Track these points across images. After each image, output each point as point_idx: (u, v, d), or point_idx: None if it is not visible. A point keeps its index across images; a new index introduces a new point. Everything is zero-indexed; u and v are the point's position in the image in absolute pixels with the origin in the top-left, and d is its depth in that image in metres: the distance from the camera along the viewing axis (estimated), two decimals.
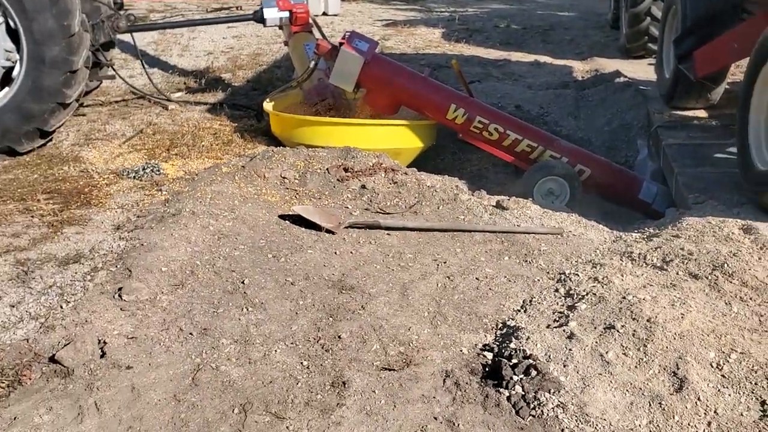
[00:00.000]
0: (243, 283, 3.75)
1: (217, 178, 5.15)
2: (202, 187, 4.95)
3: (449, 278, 3.88)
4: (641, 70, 9.06)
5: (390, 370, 3.06)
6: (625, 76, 8.45)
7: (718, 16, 6.22)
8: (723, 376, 2.86)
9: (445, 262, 4.08)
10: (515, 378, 2.91)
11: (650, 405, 2.73)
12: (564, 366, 2.95)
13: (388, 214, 4.77)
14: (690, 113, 6.96)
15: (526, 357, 3.03)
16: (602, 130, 7.43)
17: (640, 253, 3.99)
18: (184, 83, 8.91)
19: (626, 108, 7.59)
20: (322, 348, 3.20)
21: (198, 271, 3.86)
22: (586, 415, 2.70)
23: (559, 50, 11.03)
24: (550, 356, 3.03)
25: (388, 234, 4.47)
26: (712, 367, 2.91)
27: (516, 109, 7.73)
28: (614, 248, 4.22)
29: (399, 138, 6.16)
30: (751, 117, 4.81)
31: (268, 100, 6.75)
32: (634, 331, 3.11)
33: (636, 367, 2.93)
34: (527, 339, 3.17)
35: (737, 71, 7.40)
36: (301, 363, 3.10)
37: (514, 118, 6.38)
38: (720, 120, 6.58)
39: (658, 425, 2.66)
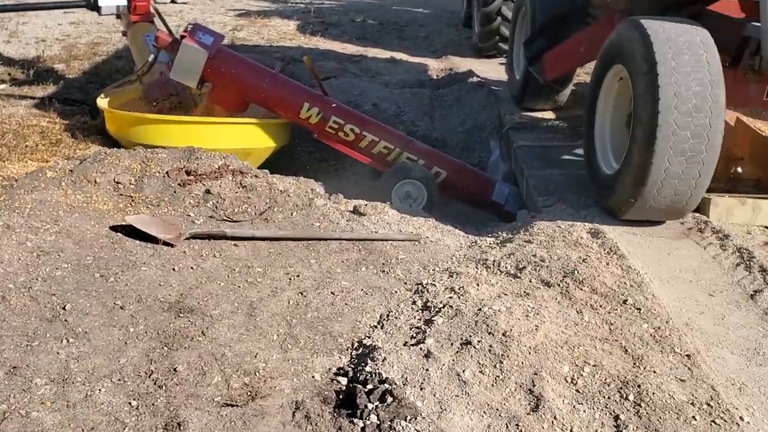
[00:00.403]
0: (64, 309, 3.28)
1: (40, 185, 4.56)
2: (21, 196, 4.35)
3: (302, 294, 3.62)
4: (493, 69, 9.25)
5: (233, 405, 2.75)
6: (478, 76, 8.57)
7: (566, 19, 6.38)
8: (577, 391, 2.81)
9: (298, 276, 3.81)
10: (370, 406, 2.71)
11: (507, 427, 2.63)
12: (421, 389, 2.79)
13: (235, 222, 4.43)
14: (539, 114, 7.14)
15: (381, 381, 2.83)
16: (457, 131, 7.46)
17: (494, 260, 3.94)
18: (9, 74, 8.00)
19: (479, 108, 7.68)
20: (155, 384, 2.83)
21: (10, 296, 3.34)
22: None
23: (414, 47, 11.07)
24: (407, 379, 2.85)
25: (235, 245, 4.13)
26: (566, 381, 2.85)
27: (373, 107, 7.59)
28: (470, 255, 4.14)
29: (248, 137, 5.81)
30: (597, 121, 4.93)
31: (103, 95, 6.14)
32: (490, 346, 3.01)
33: (493, 385, 2.82)
34: (383, 360, 2.98)
35: (583, 72, 7.70)
36: (130, 403, 2.72)
37: (371, 118, 6.22)
38: (567, 122, 6.78)
39: None
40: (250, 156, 5.71)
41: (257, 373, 2.95)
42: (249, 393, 2.83)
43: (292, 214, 4.59)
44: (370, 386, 2.81)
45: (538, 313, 3.29)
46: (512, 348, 2.98)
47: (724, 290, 3.75)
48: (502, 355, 2.96)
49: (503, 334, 3.08)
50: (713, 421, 2.66)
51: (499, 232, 4.65)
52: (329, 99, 5.96)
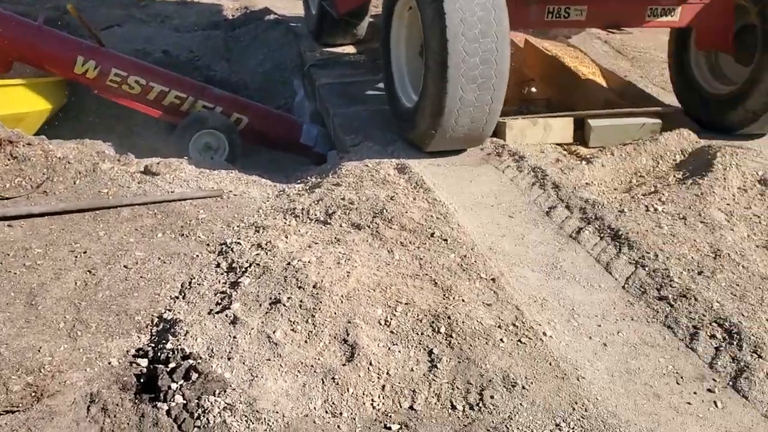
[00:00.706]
0: None
1: None
2: None
3: (91, 272, 3.25)
4: (291, 5, 8.91)
5: (13, 412, 2.41)
6: (275, 13, 8.21)
7: None
8: (392, 332, 2.77)
9: (85, 252, 3.42)
10: (174, 386, 2.49)
11: (323, 382, 2.53)
12: (229, 359, 2.60)
13: (7, 199, 3.89)
14: (341, 49, 6.99)
15: (185, 357, 2.61)
16: (257, 72, 7.13)
17: (303, 208, 3.78)
18: None
19: (278, 47, 7.38)
20: None
21: None
22: (257, 412, 2.39)
23: None
24: (213, 350, 2.65)
25: (8, 226, 3.62)
26: (380, 325, 2.81)
27: (163, 55, 7.02)
28: (278, 205, 3.96)
29: (16, 101, 5.12)
30: (392, 53, 4.86)
31: None
32: (301, 301, 2.88)
33: (306, 342, 2.70)
34: (186, 334, 2.75)
35: (379, 4, 7.61)
36: None
37: (158, 67, 5.72)
38: (368, 55, 6.70)
39: (333, 403, 2.47)
40: (23, 122, 5.05)
41: (42, 370, 2.61)
42: (33, 394, 2.49)
43: (75, 183, 4.12)
44: (172, 364, 2.58)
45: (349, 259, 3.20)
46: (324, 300, 2.87)
47: (522, 210, 3.89)
48: (313, 308, 2.84)
49: (314, 287, 2.96)
50: (519, 341, 2.74)
51: (309, 177, 4.50)
52: (107, 50, 5.38)
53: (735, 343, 2.79)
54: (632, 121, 5.05)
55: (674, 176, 4.45)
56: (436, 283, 3.08)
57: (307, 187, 4.19)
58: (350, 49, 6.96)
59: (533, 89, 6.32)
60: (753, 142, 5.11)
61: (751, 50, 4.94)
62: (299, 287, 2.96)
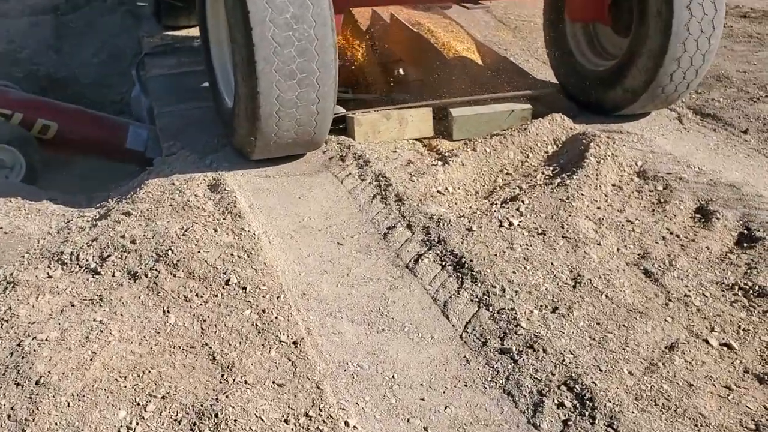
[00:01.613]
0: None
1: None
2: None
3: None
4: None
5: None
6: None
7: None
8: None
9: None
10: None
11: None
12: None
13: None
14: (185, 33, 6.10)
15: None
16: (91, 64, 6.17)
17: (74, 252, 2.98)
18: None
19: (118, 33, 6.44)
20: None
21: None
22: None
23: None
24: None
25: None
26: None
27: None
28: (48, 247, 3.14)
29: None
30: (212, 42, 4.07)
31: None
32: (12, 410, 2.11)
33: None
34: None
35: None
36: None
37: None
38: None
39: None
40: None
41: None
42: None
43: None
44: None
45: (103, 330, 2.45)
46: (43, 404, 2.11)
47: (356, 234, 3.21)
48: (24, 421, 2.08)
49: (37, 383, 2.19)
50: None
51: (109, 200, 3.69)
52: None
53: (587, 413, 2.20)
54: (500, 108, 4.42)
55: (543, 173, 3.85)
56: (215, 358, 2.36)
57: (94, 219, 3.38)
58: (197, 32, 6.07)
59: (401, 71, 5.61)
60: (634, 123, 4.58)
61: (629, 21, 4.38)
62: (17, 384, 2.19)
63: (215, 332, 2.48)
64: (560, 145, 4.17)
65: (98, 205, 3.68)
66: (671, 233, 3.27)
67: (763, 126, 4.44)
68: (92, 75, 6.07)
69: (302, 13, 3.23)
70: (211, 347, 2.40)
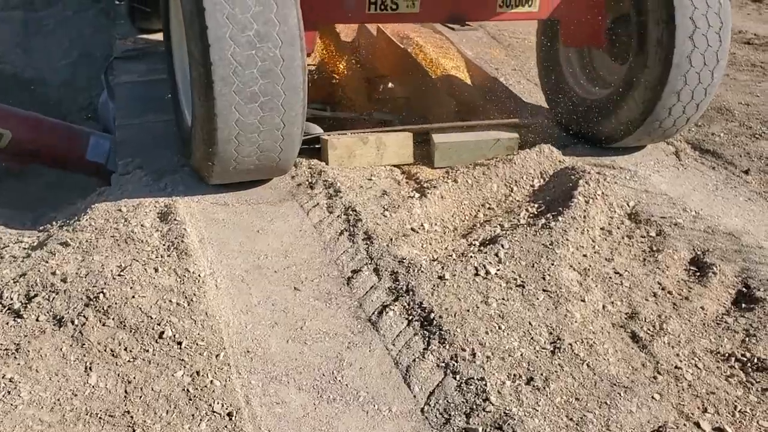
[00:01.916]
0: None
1: None
2: None
3: None
4: None
5: None
6: None
7: None
8: None
9: None
10: None
11: None
12: None
13: None
14: (160, 36, 5.77)
15: None
16: (60, 65, 5.84)
17: None
18: None
19: (92, 32, 6.11)
20: None
21: None
22: None
23: None
24: None
25: None
26: None
27: None
28: None
29: None
30: (174, 51, 3.76)
31: None
32: None
33: None
34: None
35: None
36: None
37: None
38: None
39: None
40: None
41: None
42: None
43: None
44: None
45: (12, 391, 2.13)
46: None
47: (316, 277, 2.90)
48: None
49: None
50: None
51: (53, 222, 3.37)
52: None
53: None
54: (485, 136, 4.12)
55: (527, 210, 3.56)
56: (134, 431, 2.05)
57: (31, 245, 3.07)
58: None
59: (390, 85, 5.32)
60: (628, 157, 4.29)
61: (626, 48, 4.09)
62: None
63: (140, 397, 2.17)
64: (547, 179, 3.88)
65: (41, 227, 3.37)
66: (663, 289, 2.98)
67: (765, 166, 4.16)
68: (61, 76, 5.75)
69: (267, 30, 2.93)
70: (132, 417, 2.09)
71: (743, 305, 2.89)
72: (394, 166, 4.04)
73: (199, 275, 2.74)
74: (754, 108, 4.99)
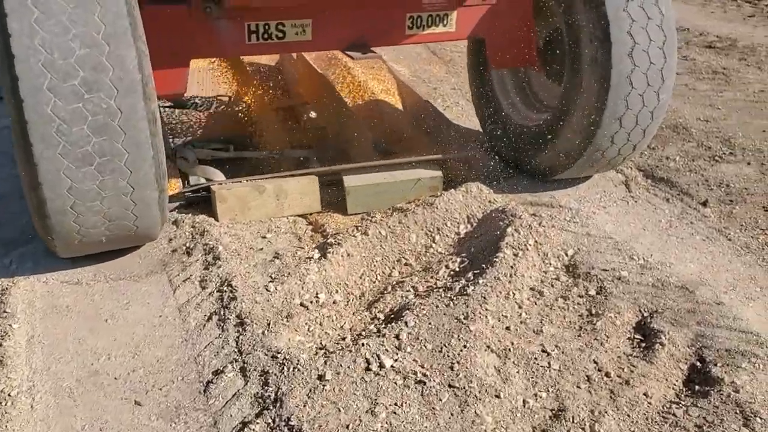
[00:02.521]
0: None
1: None
2: None
3: None
4: None
5: None
6: None
7: None
8: None
9: None
10: None
11: None
12: None
13: None
14: None
15: None
16: None
17: None
18: None
19: None
20: None
21: None
22: None
23: None
24: None
25: None
26: None
27: None
28: None
29: None
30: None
31: None
32: None
33: None
34: None
35: None
36: None
37: None
38: None
39: None
40: None
41: None
42: None
43: None
44: None
45: None
46: None
47: (167, 383, 2.32)
48: None
49: None
50: None
51: None
52: None
53: None
54: (403, 176, 3.57)
55: (447, 267, 3.02)
56: None
57: None
58: None
59: (312, 114, 4.76)
60: (571, 190, 3.78)
61: (563, 68, 3.57)
62: None
63: None
64: (475, 225, 3.35)
65: None
66: (600, 370, 2.44)
67: (725, 195, 3.65)
68: None
69: (97, 78, 2.36)
70: None
71: (696, 387, 2.36)
72: (300, 216, 3.49)
73: (10, 393, 2.16)
74: (714, 124, 4.49)
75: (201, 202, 3.47)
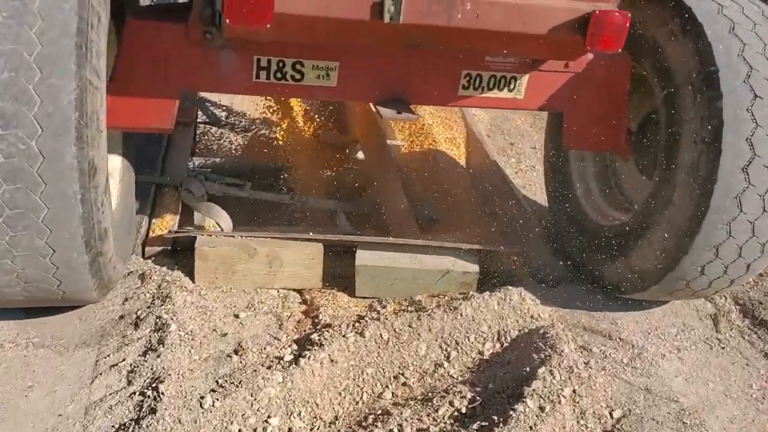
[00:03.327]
0: None
1: None
2: None
3: None
4: None
5: None
6: None
7: None
8: None
9: None
10: None
11: None
12: None
13: None
14: None
15: None
16: None
17: None
18: None
19: None
20: None
21: None
22: None
23: None
24: None
25: None
26: None
27: None
28: None
29: None
30: None
31: None
32: None
33: None
34: None
35: None
36: None
37: None
38: None
39: None
40: None
41: None
42: None
43: None
44: None
45: None
46: None
47: None
48: None
49: None
50: None
51: None
52: None
53: None
54: (430, 263, 2.89)
55: (450, 406, 2.32)
56: None
57: None
58: None
59: (360, 155, 4.15)
60: (639, 317, 2.97)
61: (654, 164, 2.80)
62: None
63: None
64: (505, 345, 2.64)
65: None
66: None
67: None
68: None
69: (16, 111, 1.83)
70: None
71: None
72: (295, 290, 2.88)
73: None
74: None
75: (189, 248, 2.92)
